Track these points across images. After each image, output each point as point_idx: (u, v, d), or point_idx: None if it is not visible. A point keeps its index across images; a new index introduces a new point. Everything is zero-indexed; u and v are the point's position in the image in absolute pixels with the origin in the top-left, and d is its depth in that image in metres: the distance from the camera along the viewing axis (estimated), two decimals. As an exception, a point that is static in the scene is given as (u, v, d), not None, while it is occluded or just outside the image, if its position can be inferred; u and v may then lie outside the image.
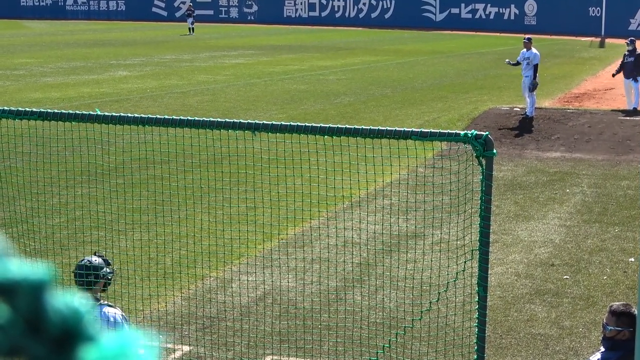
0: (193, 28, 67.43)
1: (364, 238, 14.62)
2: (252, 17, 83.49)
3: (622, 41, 36.48)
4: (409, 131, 7.71)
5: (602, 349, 7.35)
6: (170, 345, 10.89)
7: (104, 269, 7.90)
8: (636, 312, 7.27)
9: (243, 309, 11.86)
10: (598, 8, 68.96)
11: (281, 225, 14.17)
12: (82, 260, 7.97)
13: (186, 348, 10.85)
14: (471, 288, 8.63)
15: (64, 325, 1.14)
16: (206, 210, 14.43)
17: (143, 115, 8.18)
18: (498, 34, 67.65)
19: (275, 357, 10.64)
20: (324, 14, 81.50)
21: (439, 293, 9.67)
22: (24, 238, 13.29)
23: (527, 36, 28.95)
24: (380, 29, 73.72)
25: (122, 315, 7.99)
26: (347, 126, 7.88)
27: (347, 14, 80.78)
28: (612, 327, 7.25)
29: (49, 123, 8.84)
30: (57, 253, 13.43)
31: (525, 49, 27.80)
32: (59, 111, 8.53)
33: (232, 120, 8.14)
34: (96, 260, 7.91)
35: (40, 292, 1.12)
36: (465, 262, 8.21)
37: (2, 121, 9.03)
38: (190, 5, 72.78)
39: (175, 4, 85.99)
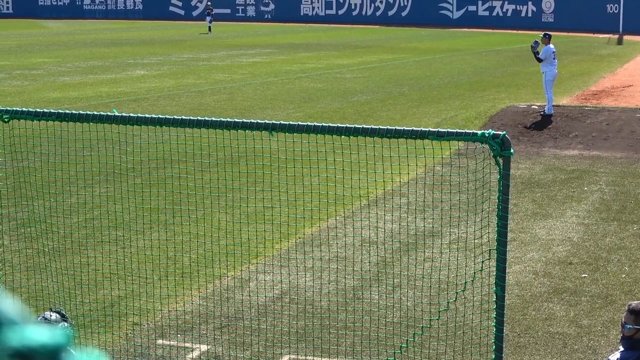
0: (210, 27, 67.58)
1: (381, 237, 14.61)
2: (269, 16, 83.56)
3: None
4: (425, 131, 7.71)
5: (621, 348, 7.32)
6: (188, 345, 10.91)
7: (61, 324, 7.81)
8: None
9: (260, 308, 11.87)
10: (616, 5, 68.72)
11: (298, 225, 14.18)
12: (38, 317, 7.87)
13: (204, 347, 10.87)
14: (489, 287, 8.62)
15: None
16: (223, 209, 14.45)
17: (160, 116, 8.20)
18: (515, 32, 67.48)
19: (292, 357, 10.65)
20: (340, 12, 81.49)
21: (457, 293, 9.67)
22: (43, 238, 13.35)
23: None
24: (397, 27, 73.64)
25: None
26: (364, 126, 7.88)
27: (364, 12, 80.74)
28: (630, 326, 7.22)
29: (67, 123, 8.87)
30: (76, 252, 13.48)
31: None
32: (77, 112, 8.56)
33: (249, 121, 8.16)
34: (52, 316, 7.82)
35: (58, 356, 1.13)
36: (482, 261, 8.20)
37: (21, 122, 9.07)
38: (209, 4, 72.89)
39: (192, 3, 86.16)
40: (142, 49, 51.90)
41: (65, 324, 7.83)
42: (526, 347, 11.08)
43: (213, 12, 70.45)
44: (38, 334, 1.13)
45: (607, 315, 12.05)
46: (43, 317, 7.79)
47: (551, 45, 27.39)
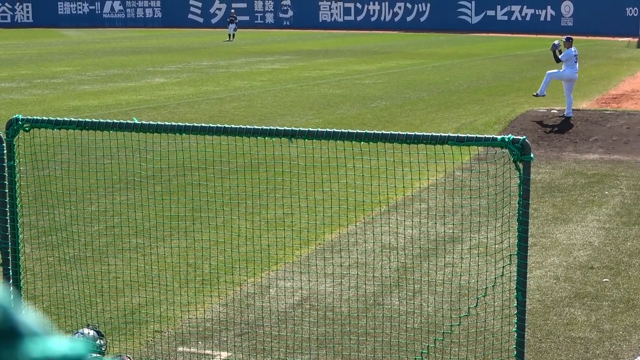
0: (234, 35, 67.66)
1: (401, 242, 14.59)
2: (288, 22, 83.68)
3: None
4: (445, 136, 7.70)
5: (643, 354, 7.29)
6: (208, 352, 10.92)
7: (97, 341, 7.82)
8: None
9: (281, 315, 11.88)
10: (635, 8, 68.50)
11: (318, 231, 14.18)
12: (75, 333, 7.88)
13: (224, 354, 10.88)
14: (510, 292, 8.60)
15: None
16: (243, 216, 14.46)
17: (180, 124, 8.22)
18: (534, 36, 67.32)
19: (313, 363, 10.64)
20: (359, 18, 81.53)
21: (477, 298, 9.64)
22: (64, 246, 13.40)
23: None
24: (416, 32, 73.61)
25: None
26: (384, 132, 7.89)
27: (382, 18, 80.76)
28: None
29: (87, 131, 8.91)
30: (96, 260, 13.53)
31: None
32: (97, 120, 8.59)
33: (268, 127, 8.17)
34: (89, 333, 7.82)
35: None
36: (503, 266, 8.18)
37: (41, 130, 9.11)
38: (232, 12, 73.10)
39: (211, 10, 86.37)
40: (161, 57, 52.06)
41: (101, 341, 7.85)
42: (547, 353, 11.05)
43: (237, 20, 70.55)
44: (59, 345, 1.14)
45: (629, 320, 11.99)
46: (80, 333, 7.81)
47: (573, 49, 27.31)
